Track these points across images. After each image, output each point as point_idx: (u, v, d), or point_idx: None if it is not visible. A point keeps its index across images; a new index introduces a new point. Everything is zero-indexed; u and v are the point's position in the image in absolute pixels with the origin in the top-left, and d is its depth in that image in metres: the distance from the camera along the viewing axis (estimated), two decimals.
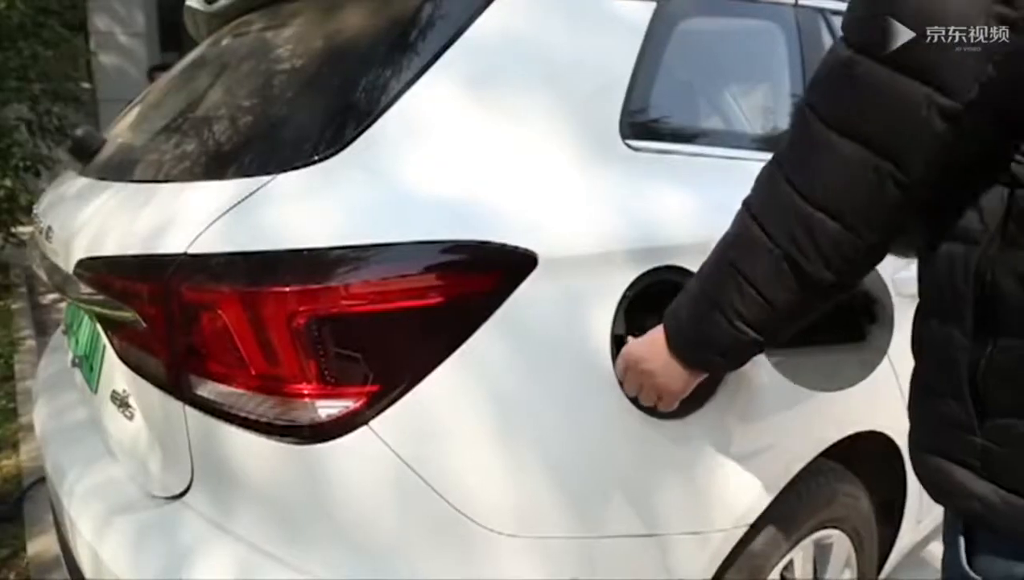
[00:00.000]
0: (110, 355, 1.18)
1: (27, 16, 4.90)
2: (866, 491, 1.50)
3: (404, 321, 0.88)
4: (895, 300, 1.44)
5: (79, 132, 1.48)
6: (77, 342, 1.44)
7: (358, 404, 0.87)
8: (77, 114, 5.71)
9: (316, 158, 0.94)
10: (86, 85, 7.04)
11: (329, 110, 1.01)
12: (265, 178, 0.93)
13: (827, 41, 1.53)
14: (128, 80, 7.97)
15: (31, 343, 3.87)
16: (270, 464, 0.92)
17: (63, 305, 4.18)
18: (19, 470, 2.60)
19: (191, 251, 0.90)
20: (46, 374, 1.68)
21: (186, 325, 0.93)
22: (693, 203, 1.14)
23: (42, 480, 2.34)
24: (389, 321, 0.88)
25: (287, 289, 0.85)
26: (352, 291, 0.86)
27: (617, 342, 1.00)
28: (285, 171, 0.93)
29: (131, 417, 1.13)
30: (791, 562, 1.34)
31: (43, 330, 4.18)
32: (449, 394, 0.89)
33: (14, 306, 4.61)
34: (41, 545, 2.13)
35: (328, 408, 0.87)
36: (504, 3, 1.05)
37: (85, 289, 1.11)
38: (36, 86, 5.09)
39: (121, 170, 1.27)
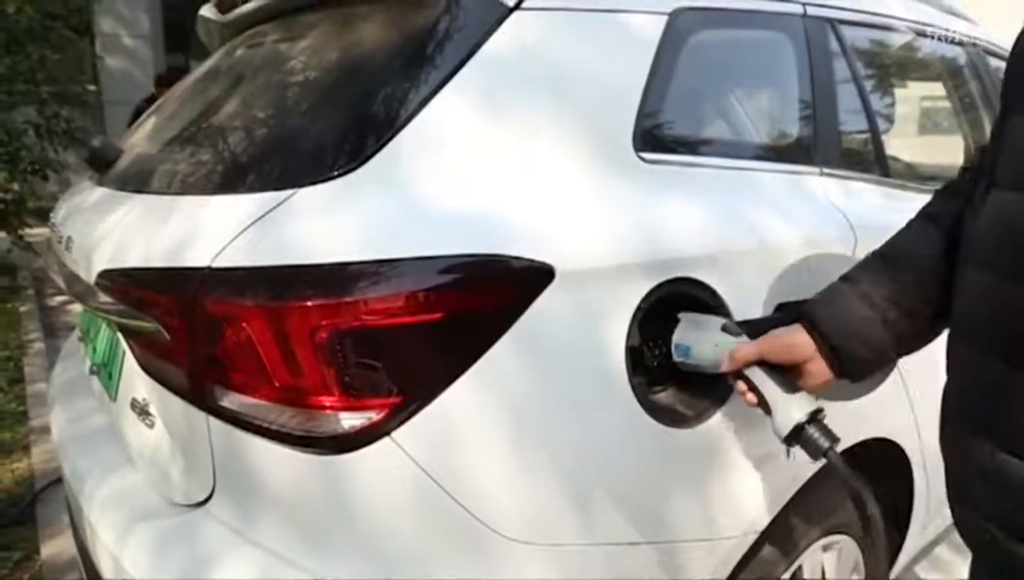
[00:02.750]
0: (129, 363, 1.19)
1: (35, 20, 4.92)
2: (874, 497, 1.51)
3: (424, 334, 0.90)
4: None
5: (96, 142, 1.49)
6: (95, 350, 1.45)
7: (380, 416, 0.89)
8: (84, 117, 5.73)
9: (336, 173, 0.95)
10: (92, 88, 7.07)
11: (348, 124, 1.02)
12: (287, 192, 0.95)
13: (835, 50, 1.55)
14: (133, 82, 8.00)
15: (40, 346, 3.89)
16: (293, 474, 0.94)
17: (72, 308, 4.20)
18: (31, 473, 2.62)
19: (215, 265, 0.92)
20: (61, 380, 1.70)
21: (210, 337, 0.94)
22: (706, 214, 1.15)
23: (55, 483, 2.36)
24: (410, 334, 0.89)
25: (310, 303, 0.87)
26: (373, 305, 0.87)
27: (632, 354, 1.02)
28: (306, 185, 0.95)
29: (151, 425, 1.15)
30: (800, 567, 1.36)
31: (52, 332, 4.21)
32: (469, 405, 0.91)
33: (22, 309, 4.64)
34: (55, 548, 2.15)
35: (351, 420, 0.89)
36: (519, 19, 1.07)
37: (107, 300, 1.13)
38: (44, 89, 5.11)
39: (141, 181, 1.29)
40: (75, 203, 1.48)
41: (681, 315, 1.05)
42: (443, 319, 0.90)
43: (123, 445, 1.27)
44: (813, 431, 0.94)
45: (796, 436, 0.95)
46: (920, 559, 2.18)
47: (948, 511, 1.94)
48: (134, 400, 1.20)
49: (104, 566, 1.13)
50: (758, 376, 0.98)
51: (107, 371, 1.35)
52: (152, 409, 1.14)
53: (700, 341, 1.03)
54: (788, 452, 1.04)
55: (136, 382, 1.18)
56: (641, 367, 1.05)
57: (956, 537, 2.37)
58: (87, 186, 1.51)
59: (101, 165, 1.48)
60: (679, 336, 1.04)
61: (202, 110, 1.41)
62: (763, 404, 0.99)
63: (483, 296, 0.92)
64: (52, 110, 5.25)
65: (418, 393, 0.89)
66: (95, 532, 1.15)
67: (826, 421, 0.96)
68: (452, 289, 0.90)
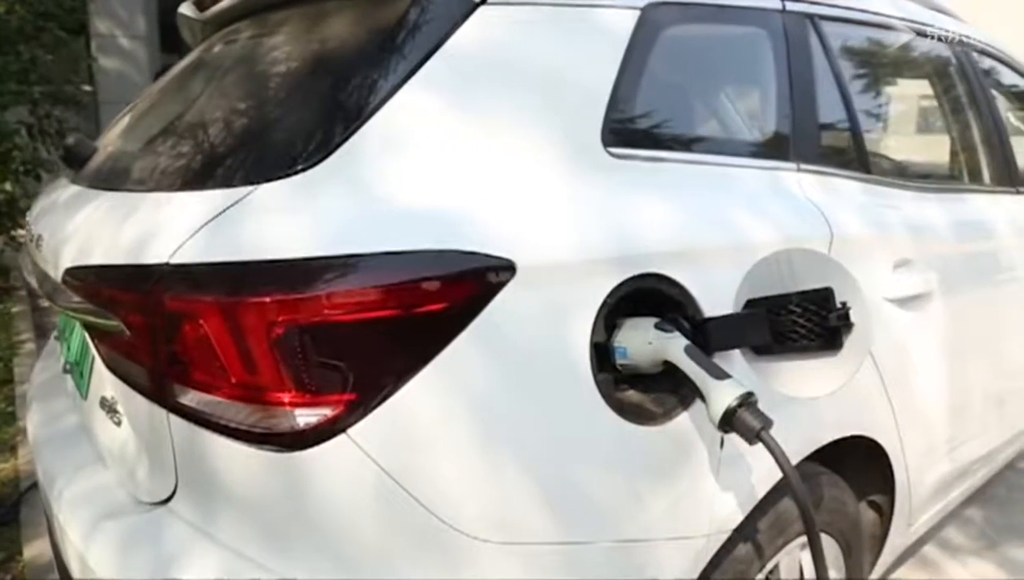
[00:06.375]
0: (99, 362, 1.19)
1: (26, 20, 4.91)
2: (854, 495, 1.50)
3: (381, 330, 0.89)
4: (883, 305, 1.45)
5: (70, 140, 1.49)
6: (69, 348, 1.45)
7: (336, 412, 0.88)
8: (78, 117, 5.72)
9: (297, 168, 0.94)
10: (87, 88, 7.05)
11: (310, 121, 1.01)
12: (247, 189, 0.94)
13: (814, 46, 1.54)
14: (129, 83, 7.99)
15: (31, 346, 3.89)
16: (251, 471, 0.93)
17: None
18: (16, 473, 2.62)
19: (173, 261, 0.91)
20: (40, 379, 1.69)
21: (169, 334, 0.94)
22: (676, 210, 1.14)
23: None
24: (366, 330, 0.88)
25: (266, 299, 0.86)
26: (330, 301, 0.86)
27: (597, 350, 1.01)
28: (266, 181, 0.94)
29: (119, 423, 1.14)
30: (776, 566, 1.35)
31: (43, 333, 4.19)
32: (427, 402, 0.90)
33: (14, 309, 4.64)
34: (37, 549, 2.15)
35: (306, 416, 0.88)
36: (484, 14, 1.06)
37: (72, 297, 1.12)
38: (36, 89, 5.10)
39: (110, 179, 1.28)
40: (49, 201, 1.47)
41: (623, 321, 1.06)
42: (398, 315, 0.89)
43: (94, 443, 1.26)
44: (745, 414, 0.98)
45: (728, 421, 0.99)
46: (907, 558, 2.17)
47: (934, 509, 1.94)
48: (103, 398, 1.20)
49: (73, 565, 1.13)
50: (688, 366, 1.01)
51: (79, 370, 1.34)
52: (119, 407, 1.14)
53: (635, 341, 1.04)
54: (722, 441, 1.06)
55: (105, 381, 1.17)
56: (608, 364, 1.04)
57: (944, 535, 2.37)
58: (62, 184, 1.51)
59: (75, 163, 1.47)
60: (617, 339, 1.05)
61: (173, 107, 1.41)
62: (698, 393, 1.02)
63: (440, 292, 0.90)
64: (45, 110, 5.24)
65: (374, 390, 0.88)
66: (64, 532, 1.14)
67: (758, 404, 1.00)
68: (407, 285, 0.89)
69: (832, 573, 1.51)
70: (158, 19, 8.80)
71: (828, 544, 1.46)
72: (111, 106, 7.80)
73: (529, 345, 0.96)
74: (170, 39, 8.75)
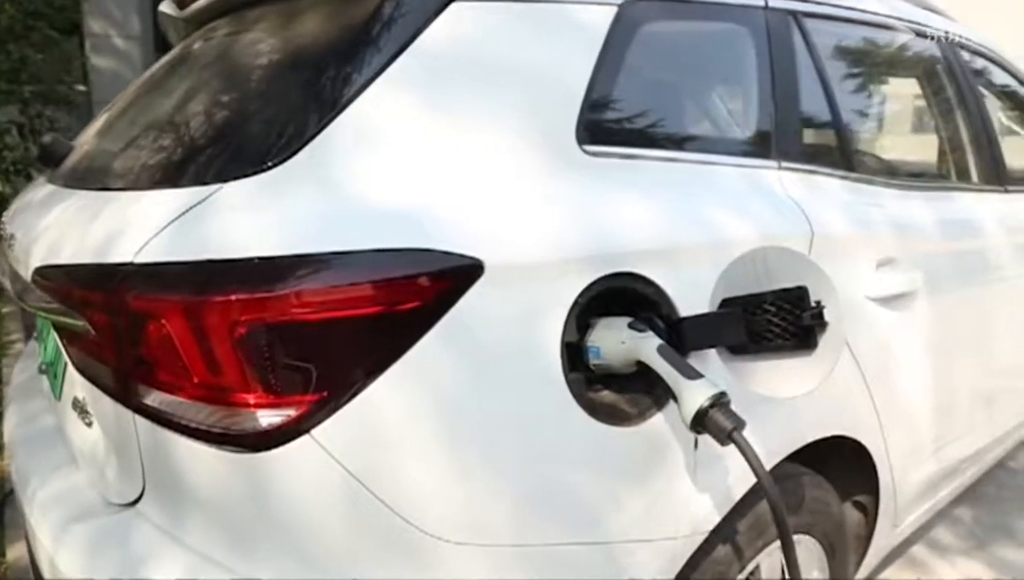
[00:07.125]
0: (70, 362, 1.18)
1: (16, 19, 4.90)
2: (837, 495, 1.49)
3: (346, 330, 0.88)
4: (866, 304, 1.44)
5: (47, 139, 1.48)
6: (45, 349, 1.44)
7: (299, 413, 0.87)
8: (70, 117, 5.71)
9: (265, 166, 0.93)
10: (81, 88, 7.04)
11: (279, 118, 1.00)
12: (212, 187, 0.93)
13: (798, 44, 1.53)
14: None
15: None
16: (216, 473, 0.92)
17: None
18: (2, 474, 2.60)
19: (138, 260, 0.90)
20: (18, 381, 1.68)
21: (133, 334, 0.92)
22: (652, 208, 1.13)
23: None
24: (331, 330, 0.87)
25: (228, 298, 0.85)
26: (294, 300, 0.85)
27: (569, 350, 1.00)
28: (234, 179, 0.93)
29: (90, 424, 1.13)
30: (757, 567, 1.34)
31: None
32: (393, 403, 0.89)
33: (5, 310, 4.61)
34: (20, 550, 2.13)
35: (269, 417, 0.87)
36: (456, 10, 1.05)
37: (41, 297, 1.11)
38: (27, 89, 5.09)
39: (83, 177, 1.27)
40: (24, 201, 1.46)
41: (597, 320, 1.05)
42: (362, 315, 0.87)
43: (67, 445, 1.25)
44: (717, 415, 0.96)
45: (700, 421, 0.97)
46: (895, 558, 2.16)
47: (921, 509, 1.93)
48: (75, 399, 1.19)
49: (44, 566, 1.12)
50: (660, 366, 1.00)
51: (53, 370, 1.33)
52: (90, 408, 1.13)
53: (608, 340, 1.03)
54: (696, 442, 1.04)
55: (76, 381, 1.16)
56: (581, 364, 1.03)
57: (933, 535, 2.36)
58: (38, 183, 1.50)
59: (51, 162, 1.46)
60: (591, 339, 1.03)
61: (150, 106, 1.40)
62: (670, 393, 1.01)
63: (407, 291, 0.89)
64: (36, 110, 5.23)
65: (339, 390, 0.87)
66: (35, 533, 1.13)
67: (731, 405, 0.99)
68: (374, 284, 0.88)
69: (816, 574, 1.50)
70: (152, 19, 8.78)
71: (811, 545, 1.46)
72: (105, 106, 7.78)
73: (499, 344, 0.95)
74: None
